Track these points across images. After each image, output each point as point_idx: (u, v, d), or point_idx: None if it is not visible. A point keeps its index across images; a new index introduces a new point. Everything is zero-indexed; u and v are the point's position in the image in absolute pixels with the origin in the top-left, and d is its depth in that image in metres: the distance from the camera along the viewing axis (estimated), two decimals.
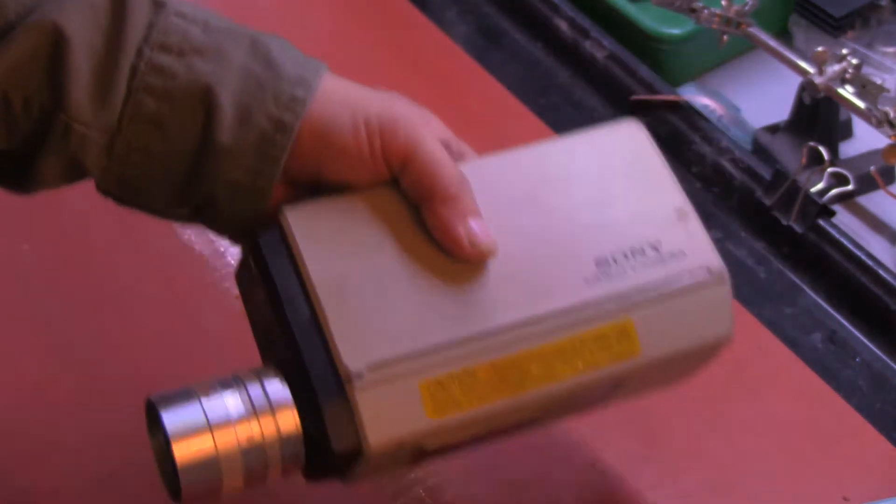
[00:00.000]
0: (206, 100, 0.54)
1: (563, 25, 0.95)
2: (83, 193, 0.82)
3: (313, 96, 0.55)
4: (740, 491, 0.70)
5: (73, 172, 0.56)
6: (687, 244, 0.60)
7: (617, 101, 0.91)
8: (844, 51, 0.84)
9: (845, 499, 0.69)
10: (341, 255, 0.56)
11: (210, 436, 0.54)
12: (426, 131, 0.57)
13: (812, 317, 0.79)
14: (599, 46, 0.93)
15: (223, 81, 0.54)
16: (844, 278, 0.80)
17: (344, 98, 0.56)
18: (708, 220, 0.84)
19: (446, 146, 0.59)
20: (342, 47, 0.95)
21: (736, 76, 0.99)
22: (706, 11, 0.89)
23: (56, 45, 0.53)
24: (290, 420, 0.55)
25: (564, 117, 0.91)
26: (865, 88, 0.82)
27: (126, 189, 0.56)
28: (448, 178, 0.56)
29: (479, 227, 0.56)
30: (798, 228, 0.82)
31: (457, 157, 0.60)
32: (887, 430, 0.73)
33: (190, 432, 0.54)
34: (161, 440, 0.55)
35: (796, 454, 0.71)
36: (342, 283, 0.55)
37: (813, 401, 0.74)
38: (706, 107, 0.93)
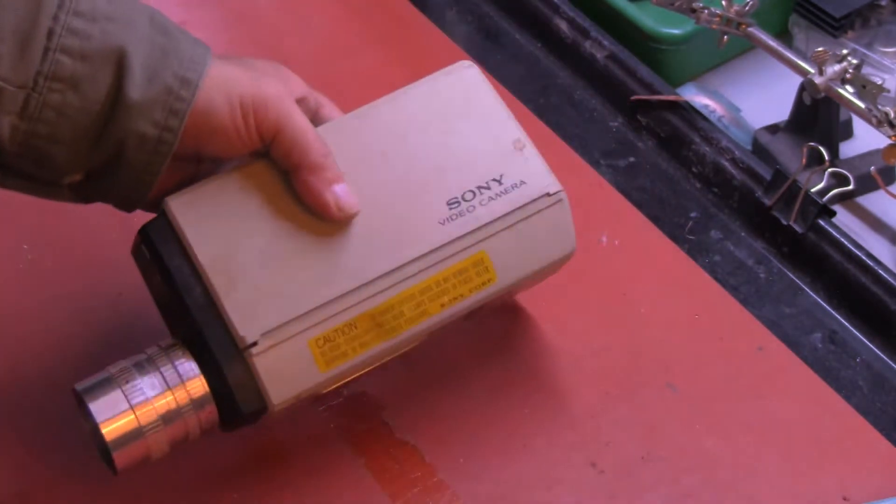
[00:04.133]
0: (118, 60, 0.58)
1: (563, 25, 0.95)
2: None
3: (210, 59, 0.61)
4: (740, 491, 0.70)
5: None
6: (526, 173, 0.66)
7: (617, 101, 0.91)
8: (844, 51, 0.84)
9: (845, 499, 0.69)
10: (224, 233, 0.62)
11: (133, 415, 0.61)
12: (293, 107, 0.63)
13: (812, 317, 0.79)
14: (599, 46, 0.93)
15: (133, 44, 0.59)
16: (844, 278, 0.80)
17: (221, 80, 0.61)
18: (708, 220, 0.85)
19: (304, 101, 0.65)
20: (342, 47, 0.95)
21: (736, 76, 0.99)
22: (706, 12, 0.89)
23: None
24: (199, 388, 0.62)
25: (564, 117, 0.91)
26: (865, 88, 0.82)
27: (29, 152, 0.59)
28: (314, 150, 0.63)
29: (343, 192, 0.63)
30: (798, 228, 0.82)
31: (315, 109, 0.67)
32: (887, 430, 0.73)
33: (115, 415, 0.61)
34: (91, 424, 0.62)
35: (796, 454, 0.71)
36: (228, 260, 0.62)
37: (813, 401, 0.74)
38: (706, 107, 0.93)
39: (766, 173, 0.84)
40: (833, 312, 0.80)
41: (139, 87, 0.59)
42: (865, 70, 0.85)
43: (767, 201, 0.83)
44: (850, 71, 0.83)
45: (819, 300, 0.80)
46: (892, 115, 0.81)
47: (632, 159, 0.89)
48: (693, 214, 0.85)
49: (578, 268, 0.73)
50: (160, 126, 0.60)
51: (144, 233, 0.63)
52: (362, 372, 0.65)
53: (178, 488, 0.69)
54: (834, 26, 0.95)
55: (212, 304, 0.61)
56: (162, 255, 0.62)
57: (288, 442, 0.71)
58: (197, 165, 0.65)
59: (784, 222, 0.82)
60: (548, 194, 0.66)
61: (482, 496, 0.69)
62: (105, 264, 0.79)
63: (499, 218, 0.65)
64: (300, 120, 0.63)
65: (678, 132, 0.89)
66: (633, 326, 0.77)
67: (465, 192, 0.65)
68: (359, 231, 0.63)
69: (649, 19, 0.95)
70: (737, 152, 0.86)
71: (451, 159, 0.65)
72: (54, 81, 0.57)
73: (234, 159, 0.64)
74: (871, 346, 0.78)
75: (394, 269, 0.63)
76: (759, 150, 0.91)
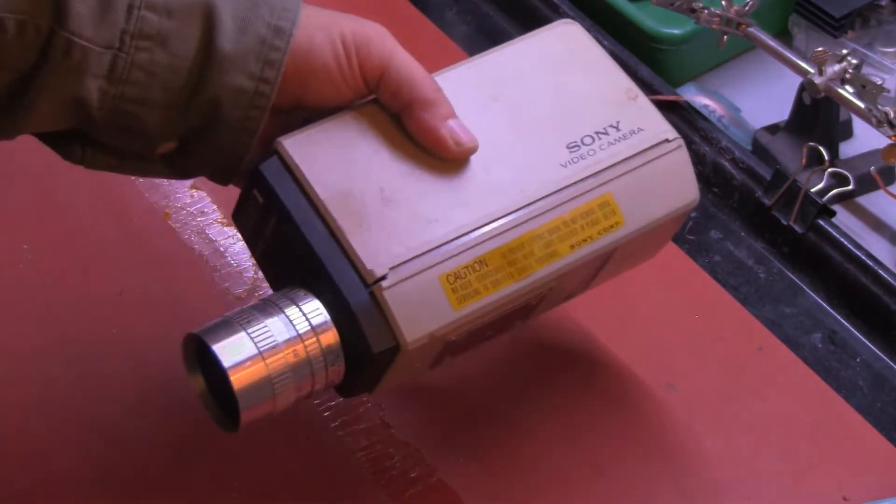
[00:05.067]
0: (206, 12, 0.56)
1: None
2: (83, 193, 0.82)
3: (302, 5, 0.59)
4: (740, 491, 0.70)
5: (68, 107, 0.56)
6: (642, 120, 0.65)
7: None
8: (844, 51, 0.84)
9: (845, 499, 0.69)
10: (341, 171, 0.60)
11: (263, 363, 0.56)
12: (396, 45, 0.61)
13: (812, 317, 0.79)
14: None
15: None
16: (844, 278, 0.80)
17: (318, 21, 0.59)
18: (708, 220, 0.85)
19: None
20: None
21: (736, 76, 0.99)
22: (706, 12, 0.89)
23: None
24: (330, 334, 0.58)
25: None
26: (865, 88, 0.82)
27: (119, 118, 0.57)
28: (424, 85, 0.61)
29: (460, 126, 0.61)
30: (798, 228, 0.82)
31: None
32: (887, 430, 0.73)
33: (244, 362, 0.56)
34: (206, 375, 0.58)
35: (796, 454, 0.71)
36: (348, 196, 0.59)
37: (813, 401, 0.74)
38: (706, 107, 0.93)
39: (766, 173, 0.84)
40: (833, 312, 0.80)
41: (231, 40, 0.56)
42: (865, 70, 0.85)
43: (767, 201, 0.83)
44: (850, 71, 0.83)
45: (819, 300, 0.80)
46: (892, 115, 0.81)
47: None
48: (693, 214, 0.85)
49: None
50: (256, 78, 0.57)
51: (258, 174, 0.60)
52: (494, 320, 0.61)
53: (178, 489, 0.69)
54: (834, 26, 0.95)
55: (335, 240, 0.58)
56: (279, 194, 0.59)
57: (288, 442, 0.71)
58: (293, 125, 0.62)
59: (784, 222, 0.82)
60: (667, 140, 0.64)
61: (482, 496, 0.69)
62: (105, 264, 0.79)
63: (621, 161, 0.63)
64: (405, 56, 0.61)
65: (678, 132, 0.88)
66: (633, 326, 0.77)
67: (583, 137, 0.63)
68: (479, 171, 0.61)
69: (649, 19, 0.95)
70: (737, 152, 0.86)
71: (565, 106, 0.64)
72: (141, 40, 0.55)
73: (335, 109, 0.61)
74: (871, 346, 0.78)
75: (520, 208, 0.61)
76: (759, 150, 0.91)
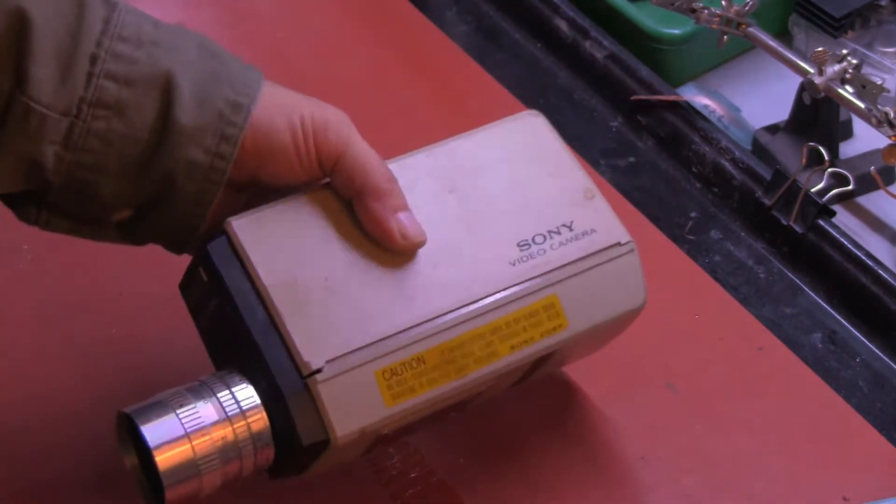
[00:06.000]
0: (166, 84, 0.57)
1: (563, 25, 0.95)
2: None
3: (262, 84, 0.59)
4: (740, 491, 0.70)
5: (24, 170, 0.56)
6: (596, 221, 0.65)
7: (617, 101, 0.91)
8: (844, 51, 0.84)
9: (845, 499, 0.69)
10: (288, 257, 0.60)
11: (189, 444, 0.57)
12: (354, 132, 0.61)
13: (812, 317, 0.79)
14: (599, 46, 0.93)
15: (181, 68, 0.57)
16: (844, 278, 0.80)
17: (279, 101, 0.59)
18: (708, 220, 0.85)
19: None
20: (342, 48, 0.94)
21: (736, 76, 0.99)
22: (706, 11, 0.89)
23: (20, 27, 0.54)
24: (259, 420, 0.59)
25: (564, 117, 0.91)
26: (865, 88, 0.82)
27: (74, 185, 0.57)
28: (378, 175, 0.60)
29: (409, 220, 0.61)
30: (798, 228, 0.82)
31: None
32: (887, 430, 0.73)
33: (170, 442, 0.57)
34: (137, 453, 0.59)
35: (796, 454, 0.71)
36: (292, 284, 0.59)
37: (813, 401, 0.74)
38: (706, 107, 0.93)
39: (766, 173, 0.84)
40: (833, 312, 0.80)
41: (189, 113, 0.57)
42: (865, 70, 0.85)
43: (767, 201, 0.83)
44: (850, 71, 0.83)
45: (819, 300, 0.80)
46: (892, 115, 0.81)
47: (632, 159, 0.89)
48: (693, 214, 0.85)
49: None
50: (211, 153, 0.57)
51: (204, 253, 0.60)
52: (428, 414, 0.62)
53: None
54: (834, 26, 0.95)
55: (274, 327, 0.58)
56: (222, 275, 0.59)
57: None
58: (248, 200, 0.62)
59: (784, 222, 0.82)
60: (619, 244, 0.65)
61: (482, 496, 0.69)
62: (105, 265, 0.79)
63: (570, 263, 0.63)
64: (362, 144, 0.61)
65: (678, 132, 0.89)
66: (633, 326, 0.77)
67: (535, 236, 0.63)
68: (427, 266, 0.61)
69: (649, 19, 0.95)
70: (737, 152, 0.86)
71: (520, 202, 0.64)
72: (98, 108, 0.55)
73: (290, 189, 0.62)
74: (871, 346, 0.78)
75: (463, 306, 0.61)
76: (759, 150, 0.91)
